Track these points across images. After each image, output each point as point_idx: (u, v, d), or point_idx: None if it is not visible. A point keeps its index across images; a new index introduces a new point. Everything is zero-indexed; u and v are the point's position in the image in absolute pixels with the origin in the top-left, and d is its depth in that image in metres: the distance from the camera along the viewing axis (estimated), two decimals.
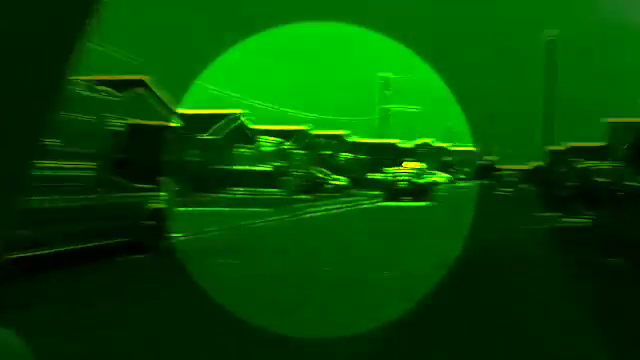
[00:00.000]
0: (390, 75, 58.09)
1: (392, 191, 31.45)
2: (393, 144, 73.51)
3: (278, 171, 32.61)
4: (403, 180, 31.83)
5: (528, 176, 68.99)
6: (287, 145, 35.67)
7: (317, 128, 53.55)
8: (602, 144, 42.72)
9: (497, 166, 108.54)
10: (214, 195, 27.72)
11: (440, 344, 5.60)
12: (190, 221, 15.58)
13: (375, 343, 5.32)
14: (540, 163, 49.29)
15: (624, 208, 16.32)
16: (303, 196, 29.67)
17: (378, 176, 41.96)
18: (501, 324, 6.38)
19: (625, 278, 9.31)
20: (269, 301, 7.03)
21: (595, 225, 18.13)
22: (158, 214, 10.71)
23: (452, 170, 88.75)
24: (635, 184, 20.11)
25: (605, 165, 23.81)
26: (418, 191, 31.06)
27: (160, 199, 11.00)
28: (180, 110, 31.10)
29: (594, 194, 19.87)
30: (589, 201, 20.44)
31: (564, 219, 20.01)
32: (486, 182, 66.42)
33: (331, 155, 50.63)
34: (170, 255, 10.55)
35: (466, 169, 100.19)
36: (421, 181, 32.47)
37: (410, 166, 40.58)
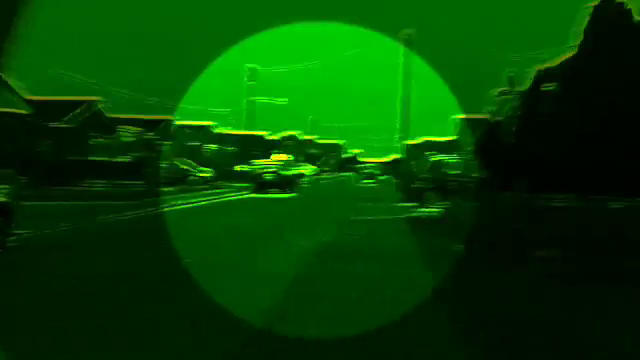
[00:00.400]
0: (256, 66, 58.16)
1: (259, 183, 31.54)
2: (261, 136, 73.66)
3: (140, 162, 31.36)
4: (270, 172, 32.01)
5: (388, 168, 72.50)
6: (150, 135, 34.36)
7: (183, 118, 52.19)
8: (452, 138, 45.93)
9: (361, 159, 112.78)
10: (70, 188, 26.08)
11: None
12: (42, 216, 14.53)
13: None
14: (398, 156, 51.88)
15: (471, 198, 17.65)
16: (167, 188, 28.82)
17: (245, 168, 41.88)
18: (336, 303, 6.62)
19: (466, 262, 10.06)
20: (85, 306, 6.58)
21: (446, 215, 19.48)
22: (2, 209, 9.84)
23: (318, 162, 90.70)
24: (481, 175, 21.83)
25: (455, 158, 25.62)
26: (284, 183, 31.43)
27: (3, 193, 10.09)
28: (30, 97, 28.79)
29: (445, 186, 21.30)
30: (441, 192, 21.89)
31: (419, 209, 21.26)
32: (350, 174, 68.74)
33: (197, 146, 49.64)
34: (15, 252, 9.78)
35: (331, 161, 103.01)
36: (287, 173, 32.87)
37: (277, 158, 40.87)
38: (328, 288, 7.83)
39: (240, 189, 32.28)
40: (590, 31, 10.61)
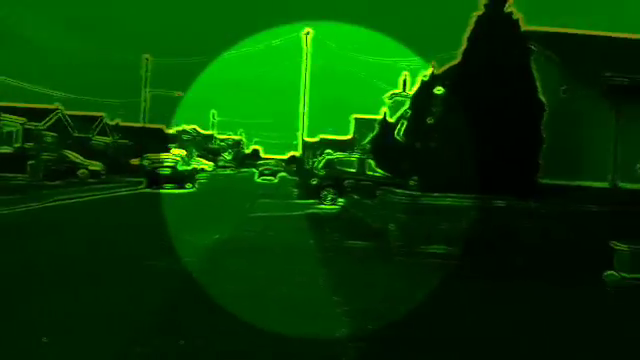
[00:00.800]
0: (151, 57, 56.22)
1: (154, 178, 30.56)
2: (159, 129, 71.43)
3: (23, 154, 29.41)
4: (166, 167, 31.09)
5: (287, 166, 72.84)
6: (34, 125, 32.28)
7: (73, 108, 49.47)
8: (348, 137, 47.01)
9: (262, 155, 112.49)
10: None
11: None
12: None
13: None
14: (296, 153, 52.29)
15: (366, 196, 18.16)
16: (52, 182, 27.26)
17: (140, 162, 40.45)
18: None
19: (363, 257, 10.37)
20: None
21: (342, 212, 19.93)
22: None
23: (217, 158, 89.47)
24: (376, 174, 22.52)
25: (351, 157, 26.23)
26: (181, 178, 30.66)
27: None
28: None
29: (341, 183, 21.78)
30: (337, 190, 22.38)
31: (317, 206, 21.61)
32: (250, 170, 68.40)
33: (88, 138, 47.31)
34: None
35: (231, 157, 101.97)
36: (184, 168, 32.10)
37: (174, 152, 39.79)
38: (220, 285, 7.77)
39: (134, 184, 31.16)
40: (474, 39, 11.23)
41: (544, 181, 12.24)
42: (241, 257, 10.11)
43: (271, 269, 9.09)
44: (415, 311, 6.67)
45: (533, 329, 6.18)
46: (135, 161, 43.21)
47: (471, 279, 8.69)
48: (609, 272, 8.88)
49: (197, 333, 5.57)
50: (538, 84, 11.42)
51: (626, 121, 11.92)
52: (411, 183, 15.74)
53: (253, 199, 24.34)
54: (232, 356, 5.08)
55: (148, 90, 47.81)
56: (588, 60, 12.72)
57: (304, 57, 33.29)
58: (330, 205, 22.22)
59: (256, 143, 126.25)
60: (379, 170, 22.80)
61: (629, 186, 11.66)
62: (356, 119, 46.12)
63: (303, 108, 33.41)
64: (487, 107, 10.70)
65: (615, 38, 15.62)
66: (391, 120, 26.57)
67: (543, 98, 11.50)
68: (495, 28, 11.03)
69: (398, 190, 11.19)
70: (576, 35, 15.31)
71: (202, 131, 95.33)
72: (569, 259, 10.12)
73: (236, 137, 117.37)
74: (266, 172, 53.39)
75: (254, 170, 59.10)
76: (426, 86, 18.03)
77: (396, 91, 38.98)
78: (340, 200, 22.33)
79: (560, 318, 6.76)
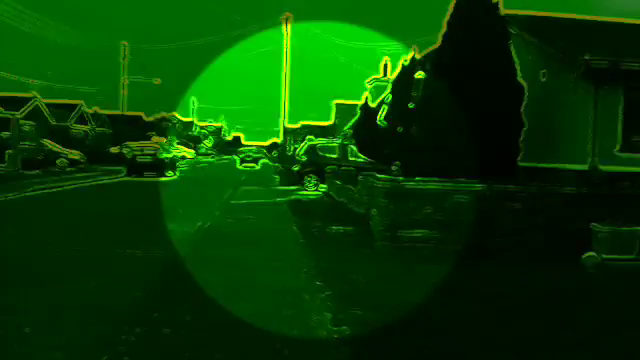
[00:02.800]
0: (127, 44, 55.28)
1: (134, 166, 30.27)
2: (138, 117, 70.58)
3: (0, 143, 28.94)
4: (146, 155, 30.79)
5: (269, 152, 72.61)
6: (11, 114, 31.71)
7: (50, 96, 48.64)
8: (330, 123, 46.92)
9: (243, 142, 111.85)
10: None
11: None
12: None
13: None
14: (278, 140, 52.14)
15: (348, 182, 18.17)
16: (31, 172, 26.87)
17: (120, 150, 40.02)
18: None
19: (346, 243, 10.40)
20: None
21: (325, 198, 19.95)
22: None
23: (198, 145, 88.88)
24: (358, 159, 22.53)
25: (333, 142, 26.20)
26: (162, 166, 30.39)
27: None
28: None
29: (323, 169, 21.77)
30: (320, 175, 22.37)
31: (299, 192, 21.59)
32: (231, 157, 68.07)
33: (66, 127, 46.66)
34: None
35: (212, 144, 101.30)
36: (165, 156, 31.81)
37: (155, 140, 39.42)
38: (202, 272, 7.74)
39: (114, 172, 30.84)
40: (453, 23, 11.22)
41: (525, 164, 12.33)
42: (223, 244, 10.09)
43: (254, 256, 9.07)
44: (398, 295, 6.70)
45: (514, 310, 6.25)
46: (115, 149, 42.73)
47: (453, 262, 8.75)
48: (588, 253, 9.00)
49: (180, 322, 5.54)
50: (518, 68, 11.46)
51: (605, 103, 12.03)
52: (393, 168, 15.74)
53: (235, 186, 24.24)
54: (215, 345, 5.06)
55: (126, 77, 47.14)
56: (567, 44, 12.79)
57: (284, 42, 33.05)
58: (312, 191, 22.22)
59: (237, 130, 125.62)
60: (361, 155, 22.82)
61: (609, 168, 11.80)
62: (337, 105, 46.01)
63: (284, 94, 33.23)
64: (467, 91, 10.72)
65: (594, 21, 15.72)
66: (372, 105, 26.54)
67: (523, 82, 11.55)
68: (474, 12, 11.03)
69: (380, 175, 11.18)
70: (555, 19, 15.38)
71: (182, 118, 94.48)
72: (550, 241, 10.24)
73: (217, 124, 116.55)
74: (247, 159, 53.16)
75: (235, 157, 58.81)
76: (407, 71, 18.02)
77: (377, 76, 38.89)
78: (322, 186, 22.34)
79: (540, 298, 6.84)
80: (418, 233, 10.25)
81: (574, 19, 15.67)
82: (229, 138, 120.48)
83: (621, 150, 12.11)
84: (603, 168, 11.82)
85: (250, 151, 58.87)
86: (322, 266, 8.21)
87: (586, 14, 16.56)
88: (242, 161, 52.51)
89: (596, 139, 12.05)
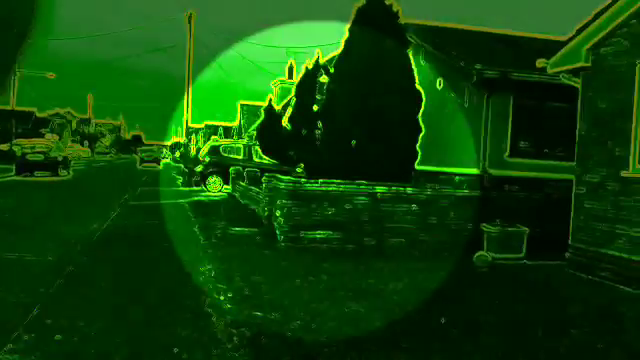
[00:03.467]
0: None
1: (25, 164, 28.46)
2: (30, 112, 66.45)
3: None
4: (38, 152, 29.03)
5: (171, 152, 70.81)
6: None
7: None
8: (235, 124, 46.49)
9: (144, 141, 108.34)
10: None
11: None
12: None
13: None
14: (181, 139, 51.00)
15: (252, 183, 18.09)
16: None
17: (9, 147, 37.49)
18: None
19: (249, 244, 10.34)
20: None
21: (228, 199, 19.74)
22: None
23: (95, 144, 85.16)
24: (262, 161, 22.49)
25: (237, 143, 25.98)
26: (54, 165, 28.78)
27: None
28: None
29: (227, 170, 21.54)
30: (223, 176, 22.12)
31: (202, 194, 21.23)
32: (132, 157, 65.73)
33: None
34: None
35: (110, 142, 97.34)
36: (58, 154, 30.16)
37: (47, 138, 37.26)
38: (96, 278, 7.44)
39: (1, 171, 28.85)
40: (355, 29, 11.49)
41: (422, 168, 12.84)
42: (119, 247, 9.73)
43: (151, 258, 8.83)
44: (299, 295, 6.76)
45: (402, 305, 6.48)
46: (4, 146, 40.02)
47: (353, 261, 8.95)
48: (479, 253, 9.53)
49: (74, 329, 5.29)
50: (416, 75, 11.92)
51: (496, 111, 12.77)
52: (298, 170, 15.85)
53: (134, 187, 23.44)
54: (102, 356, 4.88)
55: (17, 70, 44.23)
56: (462, 53, 13.45)
57: (188, 39, 32.41)
58: (216, 192, 21.93)
59: (138, 128, 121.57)
60: (265, 157, 22.80)
61: (499, 173, 12.53)
62: (242, 105, 45.66)
63: (188, 93, 32.58)
64: (368, 96, 11.02)
65: (487, 33, 16.65)
66: (277, 107, 26.59)
67: (421, 89, 12.02)
68: (375, 19, 11.34)
69: (283, 177, 11.24)
70: (451, 29, 16.15)
71: (79, 115, 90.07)
72: (444, 241, 10.74)
73: (116, 122, 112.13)
74: (148, 159, 51.54)
75: (135, 157, 56.85)
76: (311, 74, 18.21)
77: (282, 78, 39.04)
78: (226, 187, 22.11)
79: (430, 293, 7.15)
80: (320, 234, 10.41)
81: (469, 30, 16.53)
82: (128, 137, 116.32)
83: (510, 156, 12.90)
84: (494, 172, 12.54)
85: (151, 150, 57.13)
86: (223, 268, 8.14)
87: (480, 25, 17.50)
88: (142, 161, 50.84)
89: (488, 145, 12.77)
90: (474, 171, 12.73)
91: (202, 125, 62.84)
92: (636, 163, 8.17)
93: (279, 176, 11.72)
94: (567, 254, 9.36)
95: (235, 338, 5.19)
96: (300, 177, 11.61)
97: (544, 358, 5.15)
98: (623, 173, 8.30)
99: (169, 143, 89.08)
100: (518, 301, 7.19)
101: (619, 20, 8.51)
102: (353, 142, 11.63)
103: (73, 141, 67.07)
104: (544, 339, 5.64)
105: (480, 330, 5.80)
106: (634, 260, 8.00)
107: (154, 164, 50.01)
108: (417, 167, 12.25)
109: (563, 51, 9.53)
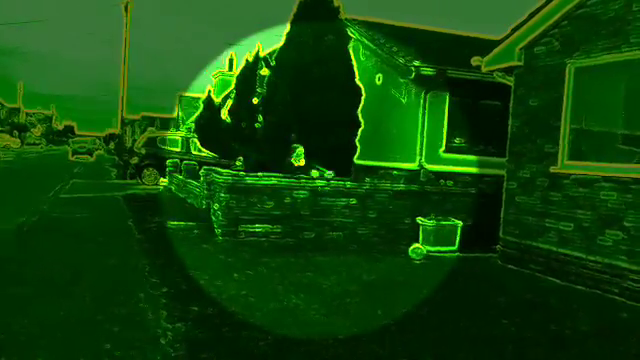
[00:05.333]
0: None
1: None
2: None
3: None
4: None
5: (106, 143, 68.72)
6: None
7: None
8: (173, 115, 45.57)
9: (76, 132, 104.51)
10: None
11: None
12: None
13: None
14: (115, 131, 49.54)
15: (190, 176, 17.77)
16: None
17: None
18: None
19: (185, 239, 10.15)
20: None
21: (164, 192, 19.32)
22: None
23: (25, 134, 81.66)
24: (201, 153, 22.14)
25: (175, 135, 25.46)
26: None
27: None
28: None
29: (164, 162, 21.07)
30: (160, 169, 21.63)
31: (137, 186, 20.68)
32: (64, 148, 63.34)
33: None
34: None
35: (40, 133, 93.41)
36: None
37: None
38: (22, 273, 7.12)
39: None
40: (296, 23, 11.47)
41: (362, 162, 12.97)
42: (49, 241, 9.35)
43: (83, 252, 8.52)
44: (237, 289, 6.69)
45: (341, 296, 6.54)
46: None
47: (291, 255, 8.95)
48: (415, 245, 9.71)
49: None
50: (356, 70, 12.00)
51: (433, 108, 13.03)
52: (237, 164, 15.69)
53: (65, 179, 22.59)
54: (34, 347, 4.68)
55: None
56: (401, 50, 13.64)
57: (124, 29, 31.38)
58: (152, 185, 21.42)
59: (70, 119, 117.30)
60: (204, 150, 22.46)
61: (435, 168, 12.80)
62: (181, 97, 44.73)
63: (123, 82, 31.57)
64: (308, 90, 11.02)
65: (426, 31, 16.96)
66: (217, 99, 26.23)
67: (360, 84, 12.12)
68: (316, 14, 11.36)
69: (222, 170, 11.10)
70: (391, 26, 16.35)
71: (7, 104, 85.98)
72: (382, 234, 10.90)
73: (47, 112, 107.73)
74: (81, 150, 49.76)
75: (67, 148, 54.79)
76: (251, 67, 18.06)
77: (222, 70, 38.52)
78: (162, 180, 21.63)
79: (369, 287, 7.24)
80: (260, 228, 10.35)
81: (409, 27, 16.79)
82: (60, 127, 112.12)
83: (446, 151, 13.20)
84: (430, 167, 12.80)
85: (84, 142, 55.18)
86: (159, 263, 7.95)
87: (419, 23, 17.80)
88: (75, 152, 49.05)
89: (424, 141, 13.01)
90: (412, 166, 12.95)
91: (139, 116, 61.28)
92: (565, 159, 8.52)
93: (218, 169, 11.56)
94: (498, 247, 9.67)
95: (170, 334, 5.08)
96: (239, 170, 11.50)
97: (476, 347, 5.30)
98: (552, 169, 8.64)
99: (103, 134, 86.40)
100: (450, 292, 7.37)
101: (551, 21, 8.84)
102: (293, 136, 11.62)
103: (2, 131, 64.00)
104: (476, 330, 5.80)
105: (414, 321, 5.91)
106: (562, 253, 8.35)
107: (87, 156, 48.36)
108: (356, 161, 12.37)
109: (497, 50, 9.82)
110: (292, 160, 11.10)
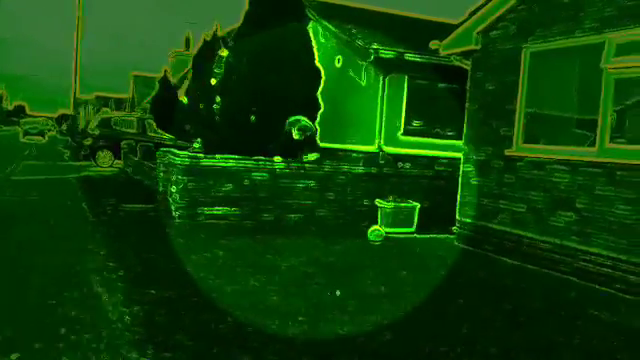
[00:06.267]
0: None
1: None
2: None
3: None
4: None
5: (58, 124, 66.77)
6: None
7: None
8: (128, 96, 44.51)
9: (28, 112, 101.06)
10: None
11: None
12: None
13: None
14: (68, 111, 48.20)
15: (146, 158, 17.46)
16: None
17: None
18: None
19: (141, 221, 9.99)
20: None
21: (119, 174, 18.93)
22: None
23: None
24: (157, 135, 21.74)
25: (130, 116, 24.91)
26: None
27: None
28: None
29: (119, 144, 20.61)
30: (114, 150, 21.15)
31: (91, 168, 20.20)
32: (15, 129, 61.26)
33: None
34: None
35: None
36: None
37: None
38: None
39: None
40: (255, 2, 11.31)
41: (322, 145, 12.95)
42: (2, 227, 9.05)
43: (36, 236, 8.29)
44: (195, 272, 6.63)
45: (302, 280, 6.56)
46: None
47: (250, 237, 8.91)
48: (373, 227, 9.79)
49: None
50: (316, 52, 11.93)
51: (392, 91, 13.09)
52: (195, 145, 15.45)
53: (16, 161, 21.88)
54: None
55: None
56: (360, 32, 13.62)
57: (77, 5, 30.37)
58: (106, 167, 20.96)
59: (22, 99, 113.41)
60: (160, 131, 22.05)
61: (394, 150, 12.89)
62: (135, 77, 43.62)
63: (76, 61, 30.63)
64: (267, 71, 10.90)
65: (385, 13, 16.98)
66: (173, 80, 25.73)
67: (320, 66, 12.06)
68: None
69: (180, 152, 10.92)
70: (350, 7, 16.31)
71: None
72: (341, 216, 10.95)
73: None
74: (33, 131, 48.19)
75: (18, 129, 53.00)
76: (209, 46, 17.70)
77: (179, 50, 37.77)
78: (117, 162, 21.17)
79: (328, 269, 7.27)
80: (218, 210, 10.26)
81: (370, 10, 16.77)
82: (11, 108, 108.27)
83: (404, 134, 13.31)
84: (389, 150, 12.89)
85: (36, 122, 53.45)
86: (115, 246, 7.80)
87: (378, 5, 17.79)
88: (26, 133, 47.47)
89: (383, 123, 13.08)
90: (371, 148, 13.01)
91: (92, 96, 59.66)
92: (520, 142, 8.70)
93: (175, 151, 11.37)
94: (455, 228, 9.84)
95: (127, 317, 5.00)
96: (197, 152, 11.33)
97: (434, 324, 5.40)
98: (507, 152, 8.81)
99: (56, 115, 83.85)
100: (408, 272, 7.48)
101: (508, 5, 8.95)
102: (252, 118, 11.50)
103: None
104: (433, 307, 5.91)
105: (374, 300, 5.97)
106: (516, 234, 8.56)
107: (39, 137, 46.89)
108: (318, 144, 12.33)
109: (455, 34, 9.90)
110: (295, 134, 10.69)
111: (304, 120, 10.78)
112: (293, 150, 10.55)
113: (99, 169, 20.35)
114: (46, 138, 47.93)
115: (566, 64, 8.43)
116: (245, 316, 5.21)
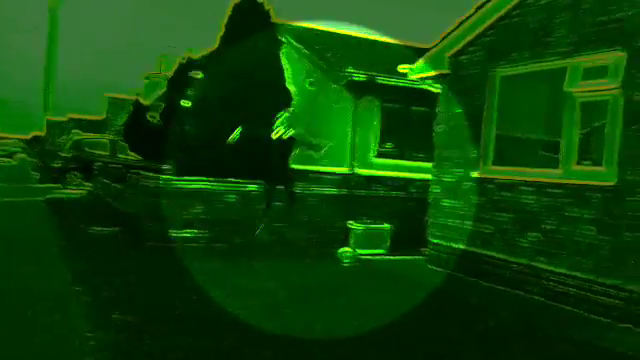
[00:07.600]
0: None
1: None
2: None
3: None
4: None
5: (29, 146, 65.61)
6: None
7: None
8: (101, 118, 44.04)
9: None
10: None
11: None
12: None
13: None
14: (39, 133, 47.50)
15: (117, 180, 17.24)
16: None
17: None
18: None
19: (111, 244, 9.83)
20: None
21: (89, 196, 18.65)
22: None
23: None
24: (128, 157, 21.53)
25: (102, 138, 24.63)
26: None
27: None
28: None
29: (90, 166, 20.33)
30: (85, 172, 20.84)
31: (60, 191, 19.87)
32: None
33: None
34: None
35: None
36: None
37: None
38: None
39: None
40: (229, 26, 11.37)
41: (295, 166, 12.96)
42: None
43: (1, 261, 8.08)
44: (163, 295, 6.52)
45: (277, 301, 6.50)
46: None
47: (221, 260, 8.82)
48: (344, 249, 9.78)
49: None
50: (288, 75, 11.99)
51: (364, 113, 13.22)
52: (166, 167, 15.34)
53: None
54: None
55: None
56: (332, 56, 13.77)
57: (49, 22, 30.08)
58: (76, 190, 20.63)
59: None
60: (132, 153, 21.85)
61: (366, 172, 12.97)
62: (109, 98, 43.26)
63: (48, 81, 30.24)
64: (239, 94, 10.92)
65: (356, 37, 17.20)
66: (147, 102, 25.60)
67: (291, 88, 12.13)
68: (248, 17, 11.29)
69: (150, 174, 10.81)
70: (322, 32, 16.49)
71: None
72: (313, 238, 10.92)
73: None
74: (1, 153, 47.29)
75: None
76: (184, 69, 17.71)
77: (153, 72, 37.65)
78: (87, 184, 20.86)
79: (298, 287, 7.23)
80: (188, 233, 10.15)
81: (342, 34, 16.98)
82: None
83: (377, 156, 13.42)
84: (362, 172, 12.96)
85: (4, 144, 52.47)
86: (82, 270, 7.64)
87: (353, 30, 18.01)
88: None
89: (356, 145, 13.18)
90: (344, 170, 13.07)
91: (65, 118, 58.87)
92: (489, 165, 8.82)
93: (146, 173, 11.26)
94: (426, 250, 9.88)
95: (92, 342, 4.88)
96: (170, 174, 11.24)
97: (405, 340, 5.38)
98: (477, 174, 8.92)
99: (28, 137, 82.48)
100: (378, 292, 7.48)
101: (477, 31, 9.14)
102: (224, 139, 11.47)
103: None
104: (406, 325, 5.89)
105: (343, 323, 5.94)
106: (486, 255, 8.62)
107: (8, 159, 46.01)
108: (291, 166, 12.33)
109: (425, 58, 10.06)
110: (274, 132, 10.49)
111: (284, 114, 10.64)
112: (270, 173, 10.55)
113: (69, 192, 20.02)
114: (16, 160, 47.07)
115: (535, 88, 8.62)
116: (217, 342, 5.12)
